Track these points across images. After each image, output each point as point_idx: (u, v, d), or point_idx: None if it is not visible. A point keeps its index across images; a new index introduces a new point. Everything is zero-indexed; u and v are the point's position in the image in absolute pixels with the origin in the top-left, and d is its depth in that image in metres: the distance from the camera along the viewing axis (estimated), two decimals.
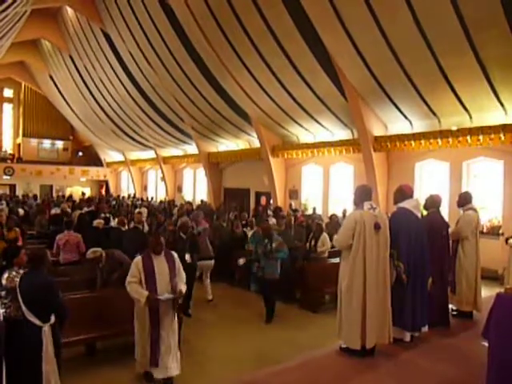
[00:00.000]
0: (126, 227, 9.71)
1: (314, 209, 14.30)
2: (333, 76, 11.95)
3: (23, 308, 3.91)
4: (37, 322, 3.93)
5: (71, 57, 22.16)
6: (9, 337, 3.86)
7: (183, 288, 4.90)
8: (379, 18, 9.67)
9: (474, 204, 6.20)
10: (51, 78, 25.82)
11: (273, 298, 7.36)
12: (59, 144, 32.07)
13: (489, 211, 11.38)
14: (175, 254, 5.06)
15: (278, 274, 7.35)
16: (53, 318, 4.06)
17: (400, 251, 4.67)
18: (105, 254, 6.36)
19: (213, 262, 8.42)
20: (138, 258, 4.89)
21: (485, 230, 11.05)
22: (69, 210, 13.39)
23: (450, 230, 5.80)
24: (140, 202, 20.78)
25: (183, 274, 5.03)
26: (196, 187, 23.21)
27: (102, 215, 11.52)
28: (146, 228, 10.79)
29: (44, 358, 3.91)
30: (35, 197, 20.38)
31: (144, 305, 4.64)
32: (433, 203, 5.73)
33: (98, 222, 10.26)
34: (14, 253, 4.45)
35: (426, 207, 5.79)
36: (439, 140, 11.31)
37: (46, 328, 3.96)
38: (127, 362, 5.11)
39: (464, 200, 6.12)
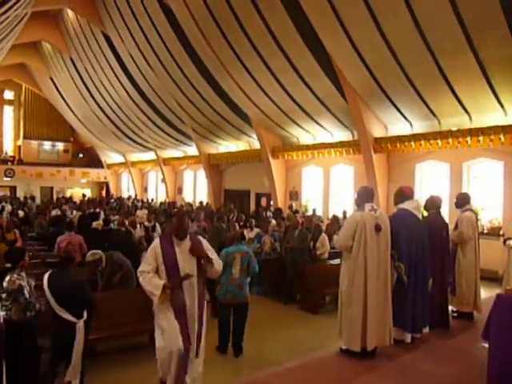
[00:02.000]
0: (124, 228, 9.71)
1: (314, 210, 14.27)
2: (333, 77, 11.96)
3: (55, 306, 4.15)
4: (70, 318, 4.14)
5: (72, 59, 22.20)
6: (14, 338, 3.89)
7: (216, 261, 4.04)
8: (379, 19, 9.69)
9: (473, 205, 6.20)
10: (52, 79, 25.86)
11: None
12: (60, 146, 32.10)
13: (489, 212, 11.38)
14: (203, 240, 4.20)
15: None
16: (85, 314, 4.27)
17: (401, 252, 4.68)
18: (104, 257, 6.37)
19: None
20: (156, 242, 4.00)
21: (485, 231, 11.06)
22: (70, 212, 13.44)
23: (449, 231, 5.80)
24: (140, 203, 20.80)
25: (218, 260, 4.18)
26: (196, 189, 23.22)
27: (112, 217, 11.56)
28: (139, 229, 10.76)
29: (75, 351, 4.15)
30: (33, 198, 20.44)
31: (159, 299, 3.80)
32: (433, 204, 5.74)
33: (97, 224, 10.28)
34: (20, 255, 4.48)
35: (426, 208, 5.79)
36: (439, 141, 11.31)
37: (81, 324, 4.18)
38: (129, 363, 5.12)
39: (462, 201, 6.12)
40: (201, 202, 18.74)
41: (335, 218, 11.20)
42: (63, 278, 4.30)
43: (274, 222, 11.49)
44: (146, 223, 10.08)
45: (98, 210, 14.50)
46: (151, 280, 3.84)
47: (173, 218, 4.16)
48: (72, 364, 4.13)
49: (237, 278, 5.72)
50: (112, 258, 6.43)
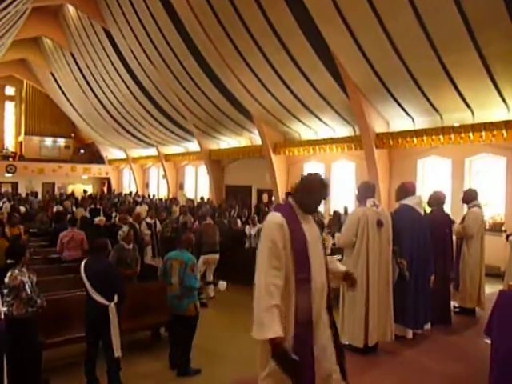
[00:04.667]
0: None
1: None
2: (334, 73, 11.91)
3: (90, 289, 4.52)
4: (103, 301, 4.49)
5: (72, 54, 22.16)
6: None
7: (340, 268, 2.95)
8: (381, 14, 9.63)
9: (480, 201, 6.18)
10: (53, 75, 25.82)
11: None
12: (61, 142, 32.07)
13: (491, 208, 11.35)
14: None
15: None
16: (116, 298, 4.59)
17: (402, 248, 4.67)
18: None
19: (218, 255, 8.62)
20: (280, 220, 2.59)
21: (487, 227, 11.01)
22: (74, 207, 13.44)
23: (453, 226, 5.78)
24: (141, 199, 20.78)
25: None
26: (198, 184, 23.23)
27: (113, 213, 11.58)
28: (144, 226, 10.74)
29: (112, 331, 4.49)
30: (36, 194, 20.47)
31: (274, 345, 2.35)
32: (436, 200, 5.72)
33: (99, 220, 10.28)
34: (21, 251, 4.50)
35: (429, 204, 5.78)
36: (441, 137, 11.27)
37: (112, 305, 4.52)
38: (132, 360, 5.12)
39: (469, 197, 6.11)
40: (202, 198, 18.70)
41: (336, 213, 11.16)
42: (98, 263, 4.68)
43: None
44: (148, 220, 10.00)
45: (98, 206, 14.48)
46: (273, 311, 2.39)
47: (301, 181, 2.81)
48: (114, 342, 4.50)
49: (176, 287, 5.11)
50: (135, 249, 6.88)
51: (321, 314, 2.65)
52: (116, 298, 4.60)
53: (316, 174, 2.80)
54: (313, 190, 2.70)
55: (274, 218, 2.63)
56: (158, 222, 10.23)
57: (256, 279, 2.53)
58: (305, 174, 2.86)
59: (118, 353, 4.54)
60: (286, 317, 2.49)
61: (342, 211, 12.67)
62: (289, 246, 2.54)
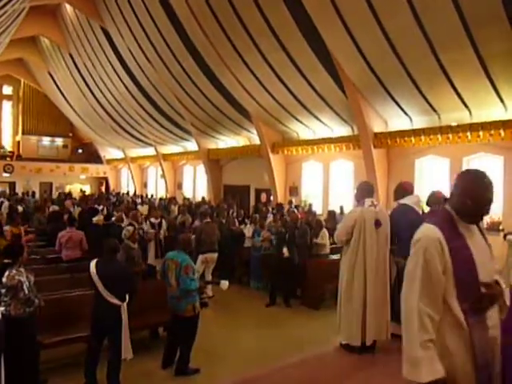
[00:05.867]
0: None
1: (311, 205, 14.21)
2: (332, 72, 11.91)
3: (102, 290, 4.51)
4: (115, 301, 4.53)
5: (70, 54, 22.11)
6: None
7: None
8: (379, 13, 9.64)
9: None
10: (50, 75, 25.76)
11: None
12: (59, 141, 31.98)
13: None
14: None
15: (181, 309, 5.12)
16: (127, 297, 4.65)
17: (401, 247, 4.68)
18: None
19: (216, 254, 8.59)
20: (437, 235, 2.14)
21: (485, 226, 11.05)
22: (72, 208, 13.41)
23: None
24: (140, 199, 20.77)
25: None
26: (196, 184, 23.21)
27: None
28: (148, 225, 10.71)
29: (123, 329, 4.57)
30: (33, 194, 20.45)
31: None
32: (435, 200, 5.73)
33: (98, 219, 10.25)
34: (19, 251, 4.49)
35: (428, 204, 5.79)
36: (439, 136, 11.29)
37: (124, 305, 4.60)
38: (130, 359, 5.11)
39: None
40: (203, 198, 18.73)
41: (331, 213, 11.16)
42: (111, 265, 4.70)
43: (271, 217, 11.45)
44: (153, 219, 9.94)
45: (100, 206, 14.43)
46: (429, 347, 1.95)
47: (459, 181, 2.28)
48: (123, 342, 4.56)
49: (175, 288, 5.13)
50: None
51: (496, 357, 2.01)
52: (127, 297, 4.65)
53: (477, 171, 2.28)
54: (476, 191, 2.19)
55: (429, 231, 2.14)
56: (164, 222, 10.17)
57: (404, 303, 2.08)
58: (463, 171, 2.31)
59: (128, 355, 4.60)
60: (451, 356, 1.97)
61: (338, 210, 12.70)
62: (449, 270, 2.02)
